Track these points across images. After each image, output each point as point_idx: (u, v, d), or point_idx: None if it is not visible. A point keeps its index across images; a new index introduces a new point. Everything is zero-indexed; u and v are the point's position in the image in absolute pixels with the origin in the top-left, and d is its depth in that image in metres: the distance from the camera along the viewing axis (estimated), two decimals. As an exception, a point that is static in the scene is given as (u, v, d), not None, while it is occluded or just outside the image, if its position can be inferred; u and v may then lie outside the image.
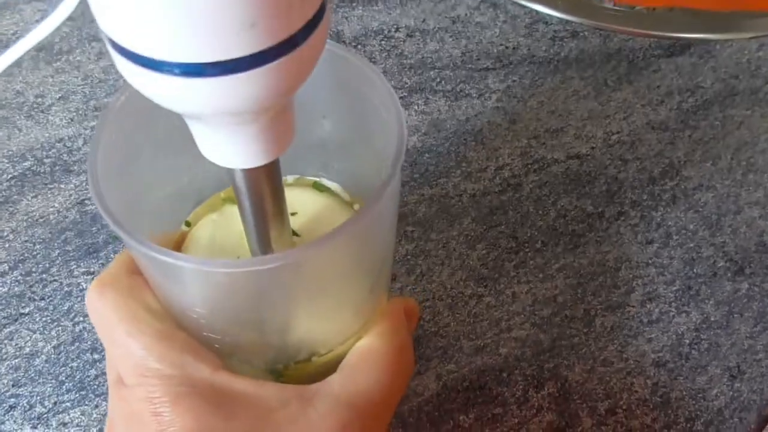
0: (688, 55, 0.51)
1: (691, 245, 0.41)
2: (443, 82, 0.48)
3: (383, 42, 0.51)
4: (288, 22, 0.16)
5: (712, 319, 0.38)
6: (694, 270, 0.40)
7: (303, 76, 0.18)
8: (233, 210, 0.29)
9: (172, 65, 0.15)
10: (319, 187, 0.30)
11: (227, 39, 0.15)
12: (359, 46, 0.50)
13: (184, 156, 0.27)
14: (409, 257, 0.39)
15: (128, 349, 0.23)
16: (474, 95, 0.48)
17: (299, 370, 0.27)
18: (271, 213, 0.23)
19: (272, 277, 0.22)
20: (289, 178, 0.31)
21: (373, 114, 0.24)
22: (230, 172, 0.21)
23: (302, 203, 0.29)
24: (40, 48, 0.50)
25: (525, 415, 0.34)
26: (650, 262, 0.40)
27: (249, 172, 0.21)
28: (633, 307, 0.38)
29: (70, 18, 0.52)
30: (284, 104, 0.19)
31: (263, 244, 0.24)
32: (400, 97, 0.47)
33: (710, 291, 0.39)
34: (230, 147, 0.19)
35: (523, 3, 0.54)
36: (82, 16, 0.52)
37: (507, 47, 0.51)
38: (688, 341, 0.37)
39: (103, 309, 0.24)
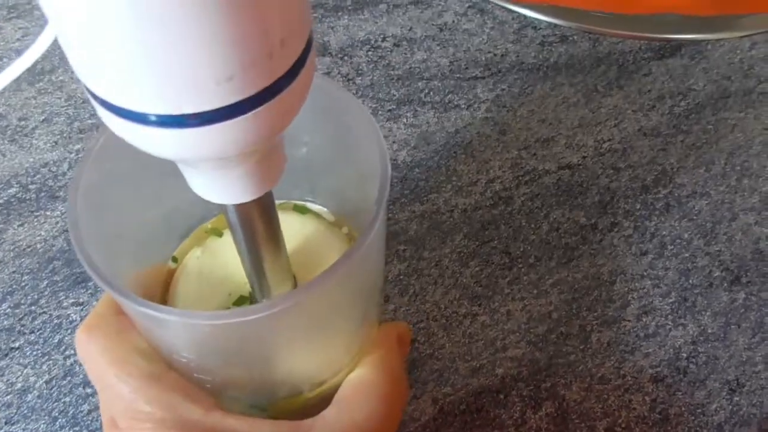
0: (679, 56, 0.51)
1: (686, 255, 0.40)
2: (431, 93, 0.48)
3: (370, 53, 0.50)
4: (267, 73, 0.15)
5: (710, 331, 0.38)
6: (690, 281, 0.39)
7: (287, 120, 0.17)
8: (218, 242, 0.28)
9: (152, 117, 0.15)
10: (300, 210, 0.30)
11: (205, 92, 0.15)
12: (346, 57, 0.50)
13: (168, 190, 0.27)
14: (401, 277, 0.39)
15: (119, 392, 0.23)
16: (463, 106, 0.47)
17: (292, 404, 0.26)
18: (266, 244, 0.22)
19: (260, 325, 0.21)
20: None
21: (355, 140, 0.24)
22: (222, 206, 0.21)
23: (285, 227, 0.28)
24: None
25: (523, 437, 0.34)
26: (645, 274, 0.40)
27: (241, 207, 0.20)
28: (629, 321, 0.38)
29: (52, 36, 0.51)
30: (273, 143, 0.19)
31: (260, 276, 0.24)
32: (388, 110, 0.47)
33: (706, 302, 0.39)
34: (220, 186, 0.19)
35: (511, 8, 0.53)
36: (64, 34, 0.51)
37: (495, 54, 0.50)
38: (685, 355, 0.37)
39: (93, 353, 0.24)
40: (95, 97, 0.16)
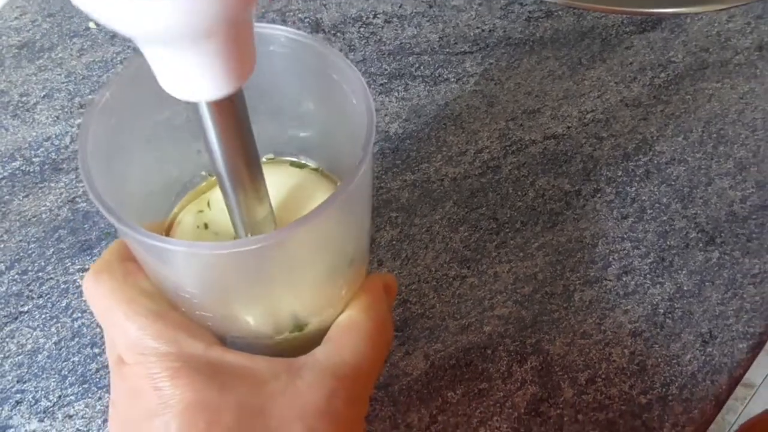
0: (659, 30, 0.53)
1: (665, 218, 0.42)
2: (422, 67, 0.49)
3: (362, 29, 0.51)
4: None
5: (685, 288, 0.40)
6: (668, 242, 0.41)
7: None
8: (213, 196, 0.30)
9: None
10: (297, 165, 0.31)
11: None
12: (338, 34, 0.51)
13: (169, 150, 0.28)
14: (394, 242, 0.41)
15: (126, 330, 0.24)
16: (452, 79, 0.49)
17: (285, 344, 0.28)
18: (244, 161, 0.23)
19: (257, 257, 0.22)
20: (264, 159, 0.32)
21: (344, 97, 0.26)
22: (199, 119, 0.21)
23: (283, 179, 0.30)
24: (21, 46, 0.50)
25: (510, 389, 0.36)
26: (626, 236, 0.42)
27: (216, 108, 0.20)
28: (610, 281, 0.40)
29: (49, 14, 0.52)
30: (240, 19, 0.18)
31: (244, 213, 0.24)
32: (380, 84, 0.48)
33: (683, 261, 0.41)
34: (191, 75, 0.19)
35: (498, -16, 0.54)
36: (62, 11, 0.52)
37: (483, 30, 0.52)
38: (662, 311, 0.39)
39: (100, 294, 0.25)
40: None
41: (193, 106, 0.21)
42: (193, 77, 0.19)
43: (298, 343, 0.28)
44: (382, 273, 0.37)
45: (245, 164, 0.23)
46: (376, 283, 0.28)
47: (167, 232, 0.30)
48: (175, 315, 0.25)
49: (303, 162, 0.32)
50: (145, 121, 0.26)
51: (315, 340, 0.27)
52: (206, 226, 0.29)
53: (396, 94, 0.48)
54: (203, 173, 0.31)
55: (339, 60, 0.25)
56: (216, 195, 0.30)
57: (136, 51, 0.19)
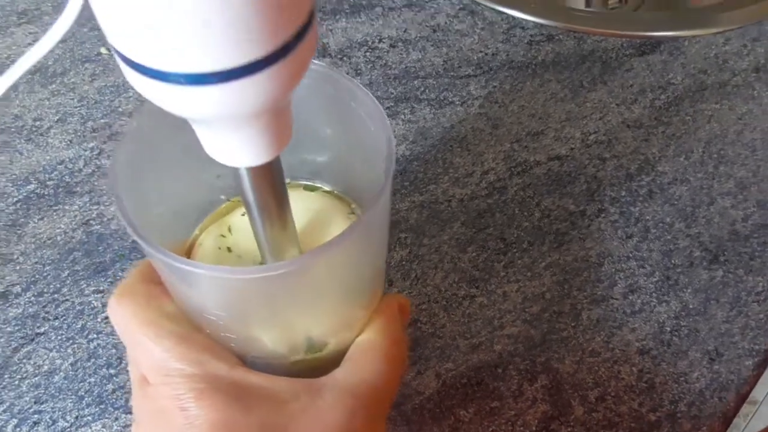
0: (658, 52, 0.54)
1: (669, 237, 0.43)
2: (427, 90, 0.50)
3: (368, 53, 0.52)
4: (279, 35, 0.17)
5: (691, 306, 0.41)
6: (672, 261, 0.42)
7: (296, 78, 0.19)
8: (233, 220, 0.31)
9: (175, 75, 0.17)
10: (310, 188, 0.32)
11: (225, 51, 0.16)
12: (345, 58, 0.52)
13: (190, 174, 0.29)
14: (404, 262, 0.42)
15: (151, 352, 0.25)
16: (457, 102, 0.50)
17: (305, 365, 0.29)
18: (276, 211, 0.24)
19: (282, 282, 0.23)
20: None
21: (361, 124, 0.27)
22: (236, 173, 0.22)
23: (300, 204, 0.31)
24: (34, 71, 0.51)
25: (521, 407, 0.37)
26: (631, 255, 0.42)
27: (254, 171, 0.22)
28: (616, 299, 0.41)
29: (62, 40, 0.53)
30: (282, 104, 0.20)
31: (269, 241, 0.26)
32: (387, 107, 0.49)
33: (688, 280, 0.42)
34: (234, 147, 0.21)
35: (500, 9, 0.56)
36: (74, 37, 0.53)
37: (486, 53, 0.53)
38: (669, 329, 0.40)
39: (124, 316, 0.26)
40: (124, 59, 0.17)
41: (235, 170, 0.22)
42: (235, 149, 0.21)
43: (316, 364, 0.28)
44: (396, 294, 0.37)
45: (276, 206, 0.24)
46: (391, 304, 0.29)
47: (188, 253, 0.30)
48: (199, 337, 0.25)
49: (317, 185, 0.33)
50: (169, 148, 0.27)
51: (332, 360, 0.27)
52: (229, 249, 0.29)
53: (402, 116, 0.49)
54: (222, 197, 0.32)
55: (357, 89, 0.26)
56: (236, 219, 0.30)
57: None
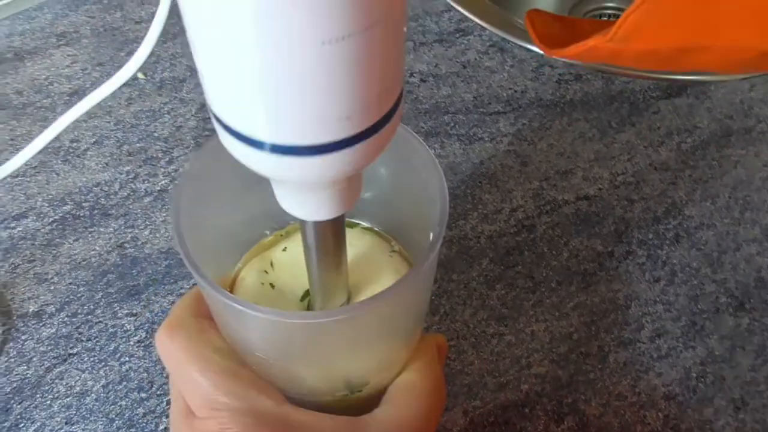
0: (685, 96, 0.55)
1: (695, 282, 0.44)
2: (457, 126, 0.51)
3: (400, 86, 0.53)
4: (374, 114, 0.18)
5: (717, 353, 0.41)
6: (699, 306, 0.43)
7: (381, 151, 0.20)
8: (275, 256, 0.31)
9: (271, 145, 0.18)
10: (349, 225, 0.33)
11: (326, 127, 0.18)
12: (377, 91, 0.53)
13: (240, 211, 0.30)
14: (433, 297, 0.42)
15: (199, 385, 0.25)
16: (486, 139, 0.50)
17: (344, 401, 0.29)
18: (334, 257, 0.26)
19: (332, 327, 0.24)
20: None
21: (412, 170, 0.28)
22: (303, 222, 0.24)
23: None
24: (72, 93, 0.52)
25: (547, 447, 0.37)
26: (658, 299, 0.43)
27: (319, 223, 0.23)
28: (643, 343, 0.41)
29: (99, 63, 0.54)
30: (355, 174, 0.22)
31: (323, 284, 0.27)
32: (418, 141, 0.50)
33: (714, 326, 0.42)
34: (308, 204, 0.22)
35: (529, 47, 0.57)
36: (111, 60, 0.54)
37: (516, 91, 0.54)
38: (695, 375, 0.40)
39: (174, 350, 0.26)
40: (224, 126, 0.19)
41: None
42: (309, 206, 0.22)
43: (355, 403, 0.29)
44: (435, 334, 0.38)
45: (335, 253, 0.25)
46: (430, 344, 0.30)
47: (231, 287, 0.31)
48: (246, 372, 0.26)
49: (355, 222, 0.34)
50: (223, 186, 0.28)
51: (371, 399, 0.28)
52: (272, 285, 0.30)
53: (432, 151, 0.49)
54: (267, 232, 0.32)
55: (411, 137, 0.27)
56: (278, 255, 0.31)
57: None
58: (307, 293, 0.30)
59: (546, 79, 0.55)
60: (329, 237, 0.24)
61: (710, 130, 0.52)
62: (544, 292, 0.43)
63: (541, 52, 0.56)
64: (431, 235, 0.25)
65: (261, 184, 0.29)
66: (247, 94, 0.17)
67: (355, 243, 0.32)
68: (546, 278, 0.43)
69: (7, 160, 0.46)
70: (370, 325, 0.25)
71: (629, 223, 0.46)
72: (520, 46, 0.57)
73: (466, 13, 0.59)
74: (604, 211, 0.47)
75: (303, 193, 0.22)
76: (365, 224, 0.34)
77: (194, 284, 0.42)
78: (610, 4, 0.78)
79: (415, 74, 0.54)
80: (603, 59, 0.21)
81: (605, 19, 0.78)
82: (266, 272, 0.31)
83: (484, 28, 0.58)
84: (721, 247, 0.45)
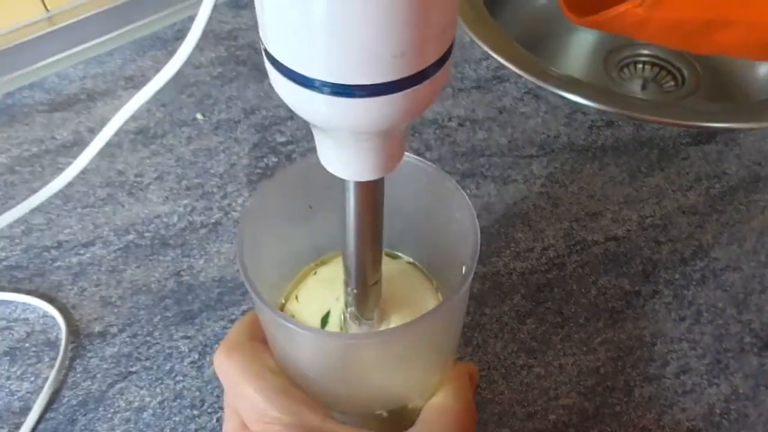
0: (714, 143, 0.57)
1: (720, 322, 0.45)
2: (492, 168, 0.54)
3: (437, 131, 0.57)
4: (430, 54, 0.18)
5: (741, 391, 0.42)
6: (723, 345, 0.44)
7: (430, 101, 0.20)
8: (311, 290, 0.34)
9: (325, 84, 0.18)
10: (391, 255, 0.36)
11: (379, 65, 0.17)
12: (416, 134, 0.56)
13: (288, 247, 0.33)
14: (466, 330, 0.44)
15: (254, 402, 0.28)
16: (520, 180, 0.53)
17: (381, 420, 0.32)
18: (371, 235, 0.26)
19: (372, 348, 0.27)
20: None
21: (447, 211, 0.30)
22: (344, 184, 0.24)
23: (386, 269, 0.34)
24: (138, 132, 0.57)
25: (573, 476, 0.39)
26: (683, 337, 0.44)
27: (360, 187, 0.24)
28: (668, 378, 0.43)
29: (162, 104, 0.59)
30: (404, 127, 0.22)
31: (360, 269, 0.28)
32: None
33: (738, 365, 0.43)
34: (351, 161, 0.22)
35: (563, 94, 0.60)
36: (173, 102, 0.59)
37: (549, 136, 0.57)
38: (719, 411, 0.41)
39: (231, 368, 0.29)
40: (276, 64, 0.18)
41: (343, 182, 0.24)
42: (352, 164, 0.22)
43: (392, 421, 0.32)
44: (467, 362, 0.40)
45: (372, 229, 0.26)
46: (462, 371, 0.32)
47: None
48: (296, 390, 0.29)
49: (398, 254, 0.37)
50: (278, 223, 0.31)
51: (408, 418, 0.31)
52: (292, 316, 0.33)
53: (468, 191, 0.53)
54: (312, 264, 0.35)
55: (446, 180, 0.30)
56: (303, 291, 0.34)
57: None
58: (326, 317, 0.33)
59: (578, 125, 0.58)
60: (369, 203, 0.25)
61: (739, 176, 0.54)
62: (572, 328, 0.45)
63: (575, 99, 0.58)
64: (464, 268, 0.28)
65: (307, 220, 0.33)
66: (301, 29, 0.17)
67: (398, 272, 0.35)
68: (575, 314, 0.45)
69: (78, 192, 0.50)
70: (406, 348, 0.28)
71: (656, 264, 0.48)
72: (555, 94, 0.60)
73: (503, 61, 0.63)
74: (632, 252, 0.49)
75: (348, 148, 0.21)
76: (407, 257, 0.37)
77: (244, 311, 0.45)
78: (645, 51, 0.81)
79: (453, 119, 0.58)
80: (629, 28, 0.21)
81: (640, 65, 0.81)
82: (296, 297, 0.34)
83: (520, 76, 0.62)
84: (747, 289, 0.47)
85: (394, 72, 0.18)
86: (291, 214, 0.32)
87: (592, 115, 0.58)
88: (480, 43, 0.64)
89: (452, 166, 0.54)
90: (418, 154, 0.55)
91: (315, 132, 0.23)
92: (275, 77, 0.19)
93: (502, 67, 0.63)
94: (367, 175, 0.23)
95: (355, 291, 0.29)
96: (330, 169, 0.23)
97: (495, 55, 0.63)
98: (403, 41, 0.17)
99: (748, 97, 0.74)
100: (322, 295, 0.33)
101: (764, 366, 0.43)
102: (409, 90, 0.18)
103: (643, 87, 0.80)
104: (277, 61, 0.18)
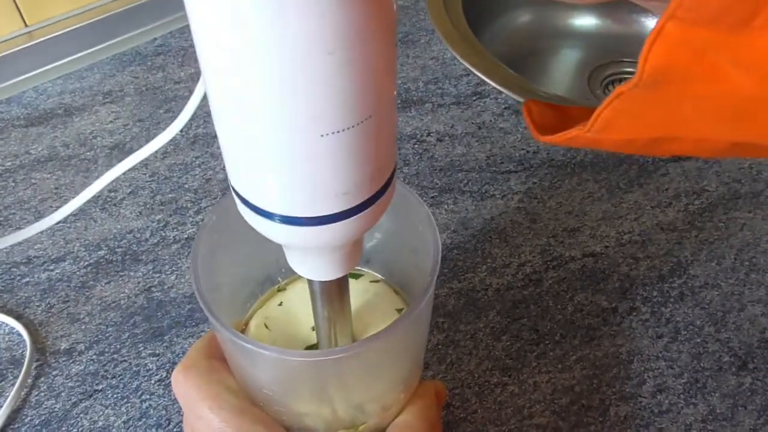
0: (693, 159, 0.56)
1: (698, 340, 0.45)
2: (470, 183, 0.54)
3: (416, 146, 0.56)
4: (372, 189, 0.21)
5: (718, 411, 0.41)
6: (701, 364, 0.43)
7: (376, 221, 0.23)
8: (278, 309, 0.34)
9: (281, 217, 0.21)
10: (354, 275, 0.35)
11: (326, 202, 0.20)
12: (395, 149, 0.56)
13: (248, 265, 0.33)
14: (440, 347, 0.44)
15: (210, 422, 0.28)
16: (498, 196, 0.53)
17: None
18: (338, 310, 0.28)
19: (333, 366, 0.26)
20: None
21: (410, 225, 0.30)
22: (310, 281, 0.27)
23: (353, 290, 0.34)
24: (113, 146, 0.56)
25: (546, 498, 0.38)
26: (660, 355, 0.44)
27: (325, 282, 0.26)
28: (645, 397, 0.42)
29: (139, 119, 0.59)
30: (355, 241, 0.24)
31: (329, 336, 0.29)
32: (431, 197, 0.52)
33: (716, 384, 0.43)
34: (315, 266, 0.25)
35: (543, 110, 0.59)
36: (150, 117, 0.59)
37: (528, 151, 0.56)
38: None
39: (189, 388, 0.29)
40: (241, 199, 0.22)
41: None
42: (316, 268, 0.25)
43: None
44: (434, 381, 0.39)
45: (339, 307, 0.28)
46: (429, 389, 0.31)
47: (241, 332, 0.33)
48: (254, 410, 0.28)
49: (363, 271, 0.36)
50: (238, 240, 0.31)
51: None
52: (273, 332, 0.32)
53: (445, 206, 0.52)
54: (280, 279, 0.35)
55: (409, 194, 0.29)
56: (272, 311, 0.34)
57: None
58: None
59: (558, 141, 0.57)
60: (334, 294, 0.27)
61: (718, 193, 0.54)
62: (548, 345, 0.44)
63: (536, 137, 0.58)
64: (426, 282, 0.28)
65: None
66: (259, 175, 0.20)
67: (362, 293, 0.34)
68: (551, 331, 0.45)
69: (51, 207, 0.50)
70: (367, 364, 0.28)
71: (634, 280, 0.48)
72: (534, 110, 0.60)
73: (484, 78, 0.63)
74: (610, 269, 0.48)
75: (310, 257, 0.25)
76: (371, 272, 0.36)
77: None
78: (629, 69, 0.81)
79: (432, 134, 0.58)
80: (586, 146, 0.23)
81: (621, 83, 0.81)
82: (265, 327, 0.33)
83: (500, 92, 0.62)
84: (726, 306, 0.46)
85: (341, 205, 0.21)
86: (252, 228, 0.31)
87: (572, 131, 0.58)
88: (461, 60, 0.64)
89: (430, 181, 0.54)
90: (396, 170, 0.55)
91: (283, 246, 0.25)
92: (240, 206, 0.22)
93: (483, 83, 0.62)
94: (330, 276, 0.25)
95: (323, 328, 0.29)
96: (298, 272, 0.26)
97: (475, 71, 0.63)
98: (346, 184, 0.20)
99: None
100: (292, 321, 0.33)
101: (742, 386, 0.43)
102: (357, 216, 0.21)
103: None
104: (244, 197, 0.21)
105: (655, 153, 0.24)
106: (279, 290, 0.35)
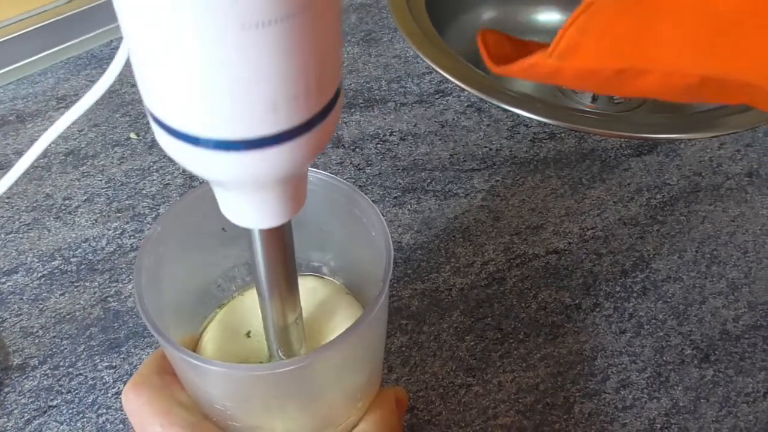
0: (655, 153, 0.57)
1: (661, 334, 0.45)
2: (433, 182, 0.53)
3: (379, 145, 0.56)
4: (305, 110, 0.18)
5: (681, 404, 0.42)
6: (664, 358, 0.44)
7: (316, 152, 0.20)
8: (230, 321, 0.33)
9: (206, 140, 0.18)
10: (315, 278, 0.34)
11: (254, 120, 0.18)
12: (357, 149, 0.55)
13: (200, 277, 0.32)
14: (403, 349, 0.43)
15: None
16: (461, 194, 0.52)
17: None
18: (284, 278, 0.26)
19: (288, 377, 0.25)
20: None
21: (363, 229, 0.29)
22: (249, 235, 0.24)
23: (305, 289, 0.33)
24: (68, 153, 0.55)
25: (511, 499, 0.38)
26: (623, 350, 0.44)
27: (265, 233, 0.24)
28: (608, 393, 0.42)
29: (95, 124, 0.57)
30: (300, 172, 0.22)
31: (273, 310, 0.27)
32: (394, 197, 0.52)
33: (679, 377, 0.43)
34: (251, 210, 0.22)
35: (506, 107, 0.59)
36: (106, 122, 0.57)
37: (491, 149, 0.56)
38: (659, 426, 0.41)
39: (139, 405, 0.28)
40: (159, 123, 0.19)
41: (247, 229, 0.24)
42: (252, 212, 0.22)
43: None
44: (395, 387, 0.39)
45: (285, 276, 0.26)
46: (388, 396, 0.31)
47: (195, 347, 0.32)
48: (207, 425, 0.27)
49: (316, 275, 0.35)
50: (185, 251, 0.30)
51: None
52: (226, 344, 0.31)
53: (409, 206, 0.52)
54: (235, 295, 0.34)
55: (361, 199, 0.29)
56: (226, 325, 0.33)
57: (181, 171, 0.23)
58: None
59: (521, 138, 0.57)
60: (278, 248, 0.24)
61: (679, 186, 0.54)
62: (512, 344, 0.44)
63: (517, 112, 0.58)
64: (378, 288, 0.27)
65: (223, 246, 0.31)
66: (178, 85, 0.17)
67: (313, 292, 0.34)
68: (514, 330, 0.44)
69: (2, 218, 0.48)
70: (322, 374, 0.27)
71: (597, 276, 0.48)
72: (497, 107, 0.59)
73: (447, 75, 0.62)
74: (573, 265, 0.48)
75: (244, 196, 0.21)
76: (330, 279, 0.35)
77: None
78: (594, 64, 0.82)
79: (395, 133, 0.57)
80: (545, 78, 0.21)
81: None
82: (221, 338, 0.32)
83: (463, 90, 0.61)
84: (688, 299, 0.47)
85: (273, 126, 0.18)
86: (202, 238, 0.31)
87: (535, 128, 0.58)
88: (423, 57, 0.64)
89: (393, 180, 0.53)
90: (359, 170, 0.54)
91: (213, 186, 0.22)
92: (162, 137, 0.19)
93: (446, 81, 0.62)
94: (271, 222, 0.22)
95: (274, 331, 0.28)
96: (234, 221, 0.23)
97: (438, 69, 0.63)
98: (276, 97, 0.17)
99: (692, 108, 0.75)
100: (238, 332, 0.32)
101: (705, 378, 0.43)
102: (290, 142, 0.19)
103: (594, 99, 0.81)
104: (162, 121, 0.18)
105: (617, 91, 0.22)
106: (233, 300, 0.34)
